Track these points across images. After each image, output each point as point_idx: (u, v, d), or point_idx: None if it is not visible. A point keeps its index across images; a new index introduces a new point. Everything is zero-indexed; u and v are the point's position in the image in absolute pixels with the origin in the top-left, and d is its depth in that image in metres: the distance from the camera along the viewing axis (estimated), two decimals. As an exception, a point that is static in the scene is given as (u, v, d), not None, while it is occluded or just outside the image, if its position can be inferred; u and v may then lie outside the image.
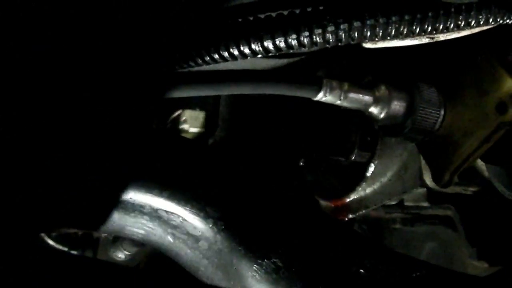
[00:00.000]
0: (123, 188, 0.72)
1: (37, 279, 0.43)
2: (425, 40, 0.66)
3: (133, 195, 0.72)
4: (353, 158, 0.96)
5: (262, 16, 0.60)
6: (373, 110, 0.79)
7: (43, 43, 0.63)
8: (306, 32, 0.56)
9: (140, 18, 0.64)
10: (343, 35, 0.57)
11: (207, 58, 0.62)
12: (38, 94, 0.67)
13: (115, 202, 0.73)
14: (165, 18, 0.63)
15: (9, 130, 0.65)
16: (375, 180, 0.98)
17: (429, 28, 0.58)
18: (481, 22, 0.58)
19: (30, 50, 0.63)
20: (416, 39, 0.66)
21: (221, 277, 0.69)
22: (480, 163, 0.88)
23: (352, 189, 1.00)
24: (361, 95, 0.77)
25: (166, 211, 0.72)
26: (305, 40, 0.57)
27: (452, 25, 0.58)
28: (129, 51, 0.68)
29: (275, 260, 0.65)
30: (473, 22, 0.58)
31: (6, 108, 0.65)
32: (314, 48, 0.59)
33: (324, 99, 0.74)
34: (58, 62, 0.66)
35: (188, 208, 0.71)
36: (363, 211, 1.00)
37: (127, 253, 1.06)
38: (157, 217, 0.72)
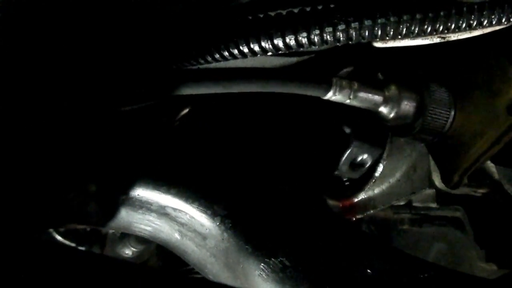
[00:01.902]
0: (131, 185, 0.72)
1: (43, 274, 0.44)
2: (436, 40, 0.66)
3: (141, 192, 0.72)
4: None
5: (272, 14, 0.60)
6: (383, 110, 0.78)
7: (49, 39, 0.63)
8: (316, 30, 0.56)
9: (150, 15, 0.64)
10: (354, 33, 0.56)
11: (217, 56, 0.62)
12: (50, 94, 0.68)
13: (123, 199, 0.73)
14: (175, 15, 0.63)
15: (18, 127, 0.66)
16: (383, 180, 0.97)
17: (441, 28, 0.58)
18: (494, 22, 0.58)
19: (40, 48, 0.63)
20: (427, 38, 0.65)
21: (227, 275, 0.69)
22: (490, 165, 0.87)
23: (360, 189, 0.99)
24: (370, 95, 0.76)
25: (173, 208, 0.72)
26: (316, 38, 0.57)
27: (464, 25, 0.58)
28: (139, 48, 0.68)
29: (282, 259, 0.65)
30: (485, 22, 0.58)
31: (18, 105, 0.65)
32: (324, 47, 0.59)
33: (333, 98, 0.73)
34: (65, 59, 0.66)
35: (195, 206, 0.71)
36: (371, 211, 1.00)
37: (134, 249, 1.06)
38: (164, 214, 0.73)
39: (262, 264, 0.65)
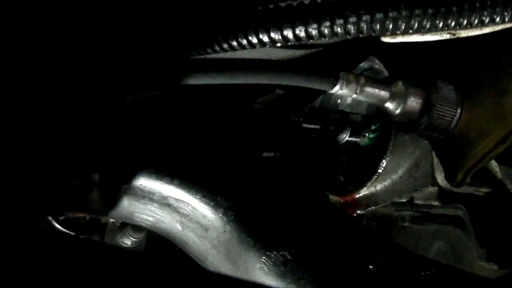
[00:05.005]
0: (134, 174, 0.71)
1: (43, 260, 0.43)
2: (446, 36, 0.65)
3: (144, 182, 0.72)
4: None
5: (283, 4, 0.59)
6: (389, 105, 0.78)
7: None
8: (327, 22, 0.55)
9: (157, 4, 0.63)
10: (365, 26, 0.56)
11: (225, 46, 0.61)
12: (53, 82, 0.67)
13: (125, 188, 0.72)
14: (184, 4, 0.62)
15: (20, 115, 0.65)
16: (386, 177, 0.97)
17: (453, 23, 0.57)
18: (507, 19, 0.57)
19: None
20: (437, 34, 0.64)
21: (228, 268, 0.69)
22: (493, 164, 0.87)
23: (362, 185, 0.99)
24: (377, 90, 0.76)
25: (176, 199, 0.71)
26: (326, 30, 0.56)
27: (476, 21, 0.57)
28: (145, 37, 0.68)
29: (284, 252, 0.65)
30: (498, 19, 0.57)
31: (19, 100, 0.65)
32: (334, 39, 0.58)
33: (340, 92, 0.73)
34: (70, 48, 0.66)
35: (198, 197, 0.70)
36: (373, 207, 1.00)
37: (133, 239, 1.06)
38: (166, 204, 0.72)
39: (263, 257, 0.65)
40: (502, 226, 0.91)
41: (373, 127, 1.04)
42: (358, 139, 1.05)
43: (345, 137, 1.04)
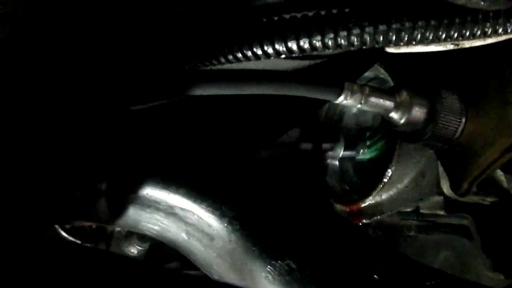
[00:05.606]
0: (140, 183, 0.72)
1: (48, 269, 0.44)
2: (449, 46, 0.65)
3: (150, 191, 0.72)
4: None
5: (287, 16, 0.60)
6: (394, 115, 0.78)
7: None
8: (331, 34, 0.56)
9: (165, 15, 0.64)
10: (368, 38, 0.56)
11: (230, 57, 0.62)
12: (61, 92, 0.68)
13: (131, 198, 0.73)
14: (190, 16, 0.63)
15: (28, 124, 0.66)
16: (391, 186, 0.97)
17: (456, 35, 0.57)
18: (509, 30, 0.57)
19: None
20: (441, 45, 0.65)
21: (233, 277, 0.69)
22: (499, 173, 0.86)
23: (368, 194, 0.99)
24: (382, 100, 0.76)
25: (181, 208, 0.72)
26: (330, 42, 0.57)
27: (479, 32, 0.57)
28: (152, 48, 0.68)
29: (288, 261, 0.65)
30: (500, 30, 0.57)
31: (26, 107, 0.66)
32: (338, 51, 0.59)
33: (344, 102, 0.73)
34: (78, 57, 0.67)
35: (204, 206, 0.71)
36: (378, 216, 1.00)
37: (139, 248, 1.06)
38: (172, 213, 0.73)
39: (268, 266, 0.65)
40: (509, 236, 0.91)
41: (368, 143, 1.04)
42: (353, 153, 1.05)
43: (340, 152, 1.04)
